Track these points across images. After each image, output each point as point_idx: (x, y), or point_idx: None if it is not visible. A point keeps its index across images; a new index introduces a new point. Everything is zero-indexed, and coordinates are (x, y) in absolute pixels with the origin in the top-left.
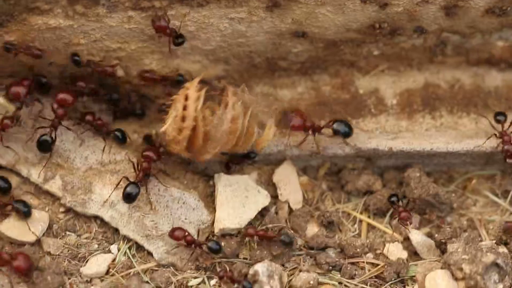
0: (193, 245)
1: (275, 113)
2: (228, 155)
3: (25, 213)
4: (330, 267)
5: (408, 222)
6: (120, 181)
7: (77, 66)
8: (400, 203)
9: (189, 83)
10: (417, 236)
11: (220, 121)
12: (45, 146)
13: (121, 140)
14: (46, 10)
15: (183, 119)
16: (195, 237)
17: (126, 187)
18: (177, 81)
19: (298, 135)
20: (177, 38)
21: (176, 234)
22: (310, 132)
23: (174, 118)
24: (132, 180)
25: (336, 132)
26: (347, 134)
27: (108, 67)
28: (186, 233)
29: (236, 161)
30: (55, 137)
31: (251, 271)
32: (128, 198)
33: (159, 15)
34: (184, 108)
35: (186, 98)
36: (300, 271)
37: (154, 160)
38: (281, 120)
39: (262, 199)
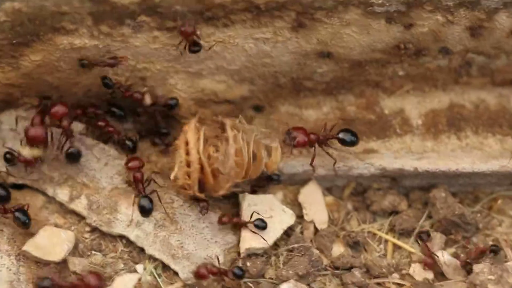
0: (218, 275)
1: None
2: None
3: (24, 223)
4: (356, 287)
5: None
6: (134, 199)
7: (107, 88)
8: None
9: (186, 126)
10: (443, 256)
11: (225, 157)
12: (73, 157)
13: (131, 149)
14: (72, 30)
15: (188, 164)
16: (218, 262)
17: (138, 202)
18: (170, 106)
19: (324, 156)
20: (194, 46)
21: (202, 273)
22: (316, 145)
23: (179, 165)
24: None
25: (342, 142)
26: (353, 142)
27: (138, 93)
28: (209, 267)
29: (260, 184)
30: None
31: None
32: (144, 211)
33: (186, 21)
34: (187, 153)
35: (187, 143)
36: None
37: (142, 166)
38: (285, 140)
39: (287, 218)
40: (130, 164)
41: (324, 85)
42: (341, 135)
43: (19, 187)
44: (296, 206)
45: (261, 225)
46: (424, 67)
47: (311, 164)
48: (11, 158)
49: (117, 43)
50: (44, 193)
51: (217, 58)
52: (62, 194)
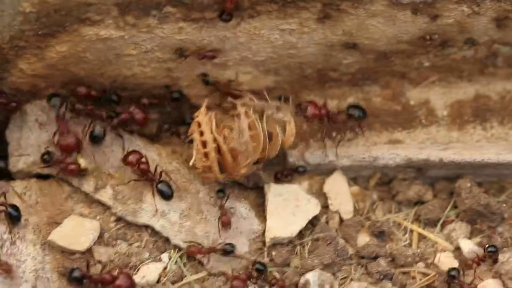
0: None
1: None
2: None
3: (15, 218)
4: (381, 276)
5: None
6: (152, 189)
7: (206, 85)
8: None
9: (197, 112)
10: (468, 246)
11: (240, 133)
12: (97, 139)
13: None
14: (97, 21)
15: (204, 145)
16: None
17: (156, 189)
18: (173, 99)
19: (349, 147)
20: (227, 15)
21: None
22: (326, 120)
23: (196, 148)
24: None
25: (350, 116)
26: (361, 117)
27: (237, 91)
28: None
29: (285, 173)
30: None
31: (302, 280)
32: (164, 195)
33: None
34: (201, 134)
35: (199, 125)
36: (351, 280)
37: (142, 156)
38: (297, 113)
39: (313, 208)
40: (129, 158)
41: (350, 76)
42: (350, 110)
43: (45, 177)
44: (321, 196)
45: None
46: (450, 58)
47: (323, 140)
48: (48, 159)
49: (143, 34)
50: (69, 183)
51: (242, 49)
52: (87, 184)
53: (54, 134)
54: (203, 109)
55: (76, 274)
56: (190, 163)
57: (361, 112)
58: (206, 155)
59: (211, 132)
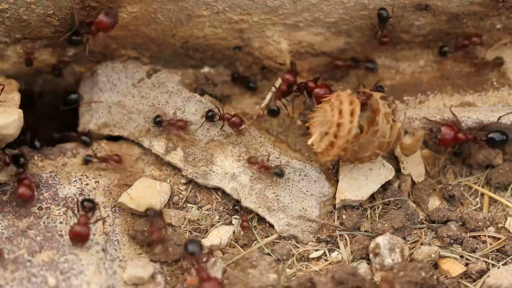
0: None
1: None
2: None
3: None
4: (452, 241)
5: None
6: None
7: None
8: None
9: (339, 92)
10: None
11: (381, 133)
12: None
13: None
14: None
15: (336, 136)
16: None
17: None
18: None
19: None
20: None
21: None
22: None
23: (322, 135)
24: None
25: (490, 142)
26: (503, 142)
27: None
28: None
29: None
30: None
31: (372, 244)
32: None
33: None
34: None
35: (340, 112)
36: (422, 244)
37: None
38: (430, 138)
39: (386, 172)
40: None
41: (422, 38)
42: (491, 135)
43: (116, 138)
44: (393, 160)
45: (279, 172)
46: None
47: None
48: (160, 121)
49: None
50: (140, 145)
51: (314, 10)
52: (158, 146)
53: None
54: (347, 94)
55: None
56: (308, 143)
57: (503, 136)
58: (332, 144)
59: (349, 131)
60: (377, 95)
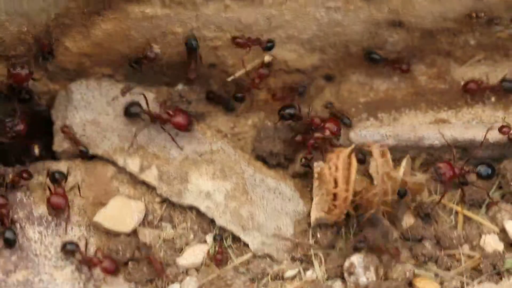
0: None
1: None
2: None
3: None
4: (426, 259)
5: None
6: None
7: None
8: None
9: (337, 152)
10: None
11: (380, 193)
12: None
13: None
14: None
15: (335, 197)
16: None
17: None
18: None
19: (394, 126)
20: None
21: None
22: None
23: (323, 198)
24: None
25: (480, 175)
26: (490, 176)
27: None
28: None
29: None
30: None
31: (346, 263)
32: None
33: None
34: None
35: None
36: (396, 262)
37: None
38: (433, 177)
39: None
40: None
41: (395, 55)
42: (479, 169)
43: (90, 157)
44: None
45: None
46: (496, 36)
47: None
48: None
49: (188, 12)
50: (114, 163)
51: (288, 27)
52: (133, 164)
53: None
54: (345, 155)
55: None
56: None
57: (490, 170)
58: (333, 205)
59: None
60: (376, 152)
